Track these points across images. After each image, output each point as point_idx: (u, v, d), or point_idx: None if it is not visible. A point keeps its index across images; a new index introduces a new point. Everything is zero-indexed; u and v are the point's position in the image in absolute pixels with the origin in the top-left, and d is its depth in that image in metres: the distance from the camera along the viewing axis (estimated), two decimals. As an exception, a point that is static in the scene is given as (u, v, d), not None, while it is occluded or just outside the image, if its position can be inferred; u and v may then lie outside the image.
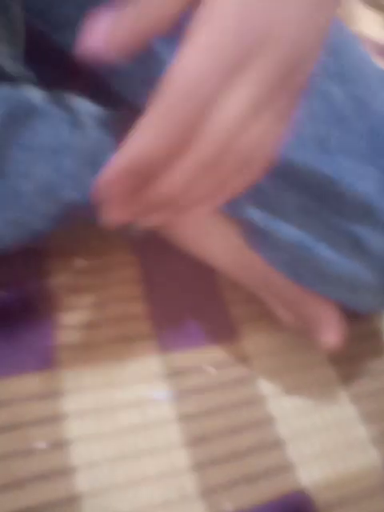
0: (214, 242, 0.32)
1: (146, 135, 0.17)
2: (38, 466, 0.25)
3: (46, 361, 0.28)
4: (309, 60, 0.18)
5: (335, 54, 0.28)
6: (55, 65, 0.30)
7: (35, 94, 0.27)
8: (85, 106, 0.29)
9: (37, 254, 0.32)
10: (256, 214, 0.28)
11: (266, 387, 0.31)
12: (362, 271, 0.27)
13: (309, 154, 0.26)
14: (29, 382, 0.27)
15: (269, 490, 0.27)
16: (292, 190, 0.27)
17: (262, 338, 0.33)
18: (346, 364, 0.33)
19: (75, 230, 0.31)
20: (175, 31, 0.18)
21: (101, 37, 0.18)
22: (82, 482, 0.25)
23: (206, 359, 0.31)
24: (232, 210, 0.29)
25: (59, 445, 0.26)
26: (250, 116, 0.17)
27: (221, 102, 0.17)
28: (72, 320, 0.30)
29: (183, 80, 0.16)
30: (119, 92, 0.31)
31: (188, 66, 0.16)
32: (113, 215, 0.19)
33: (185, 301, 0.33)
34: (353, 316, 0.31)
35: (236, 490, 0.27)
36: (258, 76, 0.17)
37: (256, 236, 0.29)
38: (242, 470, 0.27)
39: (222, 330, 0.33)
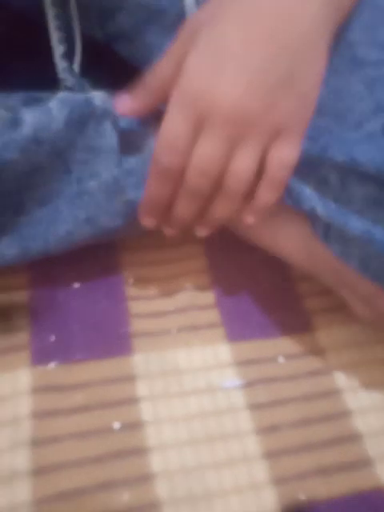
0: (286, 235, 0.32)
1: (149, 182, 0.27)
2: (114, 445, 0.26)
3: (121, 347, 0.30)
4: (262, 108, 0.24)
5: None
6: (109, 69, 0.32)
7: (95, 97, 0.29)
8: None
9: (109, 247, 0.33)
10: (321, 207, 0.28)
11: (341, 380, 0.30)
12: None
13: (374, 149, 0.25)
14: (105, 367, 0.29)
15: (344, 484, 0.26)
16: (358, 181, 0.26)
17: (338, 331, 0.32)
18: None
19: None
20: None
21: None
22: (155, 463, 0.26)
23: (278, 350, 0.31)
24: (297, 203, 0.29)
25: (133, 426, 0.27)
26: (217, 158, 0.25)
27: (195, 150, 0.25)
28: (144, 309, 0.31)
29: (163, 140, 0.25)
30: None
31: (164, 131, 0.25)
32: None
33: (254, 292, 0.33)
34: None
35: (309, 481, 0.26)
36: (212, 132, 0.25)
37: (324, 229, 0.28)
38: (315, 462, 0.26)
39: (294, 322, 0.32)
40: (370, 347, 0.32)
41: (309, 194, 0.28)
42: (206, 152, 0.25)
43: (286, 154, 0.26)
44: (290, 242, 0.32)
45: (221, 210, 0.28)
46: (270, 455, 0.27)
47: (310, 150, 0.26)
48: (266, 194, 0.27)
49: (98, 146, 0.29)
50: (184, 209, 0.27)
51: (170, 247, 0.35)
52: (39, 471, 0.25)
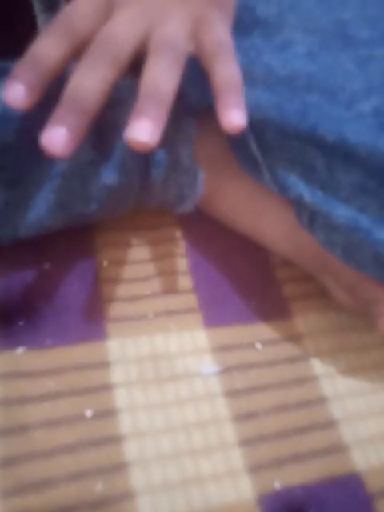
0: (267, 220, 0.31)
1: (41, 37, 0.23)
2: (86, 434, 0.25)
3: (95, 332, 0.29)
4: None
5: None
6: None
7: (70, 66, 0.27)
8: (124, 78, 0.29)
9: (82, 227, 0.32)
10: (308, 194, 0.27)
11: (318, 367, 0.30)
12: None
13: (366, 131, 0.25)
14: (78, 352, 0.28)
15: (319, 470, 0.26)
16: (346, 167, 0.25)
17: (316, 318, 0.32)
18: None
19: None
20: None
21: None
22: (129, 451, 0.25)
23: (255, 336, 0.30)
24: (283, 191, 0.28)
25: (107, 414, 0.26)
26: (132, 27, 0.23)
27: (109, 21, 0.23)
28: (119, 293, 0.30)
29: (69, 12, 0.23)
30: None
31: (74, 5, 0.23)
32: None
33: (233, 277, 0.33)
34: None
35: (286, 467, 0.26)
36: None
37: (308, 217, 0.28)
38: (291, 449, 0.26)
39: (272, 308, 0.32)
40: (346, 334, 0.32)
41: (295, 181, 0.27)
42: (122, 20, 0.23)
43: (216, 31, 0.24)
44: (273, 229, 0.31)
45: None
46: (247, 442, 0.26)
47: (299, 126, 0.25)
48: (222, 68, 0.24)
49: None
50: (83, 78, 0.23)
51: (146, 229, 0.34)
52: (7, 462, 0.24)
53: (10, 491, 0.23)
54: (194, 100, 0.31)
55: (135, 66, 0.25)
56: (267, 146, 0.28)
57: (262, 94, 0.26)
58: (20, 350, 0.27)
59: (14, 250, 0.30)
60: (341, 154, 0.25)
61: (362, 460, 0.27)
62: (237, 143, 0.30)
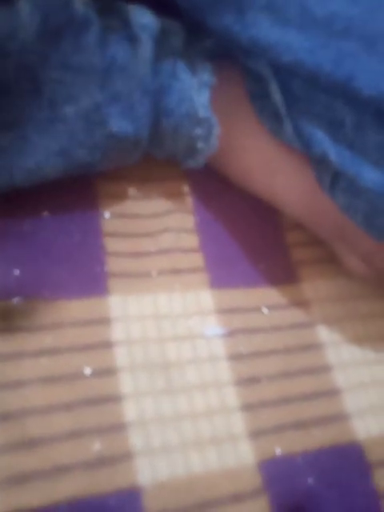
0: (283, 181, 0.29)
1: None
2: (85, 392, 0.24)
3: (96, 287, 0.27)
4: None
5: None
6: None
7: (78, 2, 0.23)
8: (138, 16, 0.26)
9: (85, 178, 0.30)
10: (333, 153, 0.25)
11: (324, 334, 0.29)
12: None
13: None
14: (77, 307, 0.26)
15: (320, 437, 0.25)
16: (377, 127, 0.23)
17: (325, 284, 0.31)
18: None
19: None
20: None
21: None
22: (128, 411, 0.24)
23: (262, 300, 0.29)
24: (306, 146, 0.26)
25: (107, 372, 0.25)
26: None
27: None
28: (122, 248, 0.29)
29: None
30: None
31: None
32: None
33: (241, 238, 0.31)
34: None
35: (286, 434, 0.25)
36: None
37: (331, 178, 0.26)
38: (293, 415, 0.26)
39: (280, 272, 0.31)
40: (354, 302, 0.31)
41: (320, 138, 0.25)
42: None
43: None
44: (288, 190, 0.29)
45: None
46: (249, 407, 0.26)
47: (332, 76, 0.23)
48: None
49: (76, 63, 0.24)
50: None
51: (151, 181, 0.31)
52: (3, 417, 0.23)
53: (3, 448, 0.22)
54: (211, 45, 0.28)
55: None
56: (292, 97, 0.25)
57: (295, 36, 0.23)
58: (15, 301, 0.26)
59: (10, 197, 0.28)
60: (374, 111, 0.23)
61: (362, 429, 0.26)
62: (257, 93, 0.27)
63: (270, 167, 0.29)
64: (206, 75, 0.28)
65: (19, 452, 0.22)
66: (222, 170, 0.31)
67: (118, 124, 0.25)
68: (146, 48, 0.26)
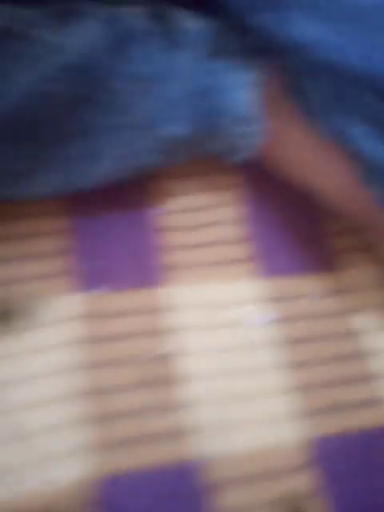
0: (323, 174, 0.30)
1: None
2: (142, 374, 0.27)
3: (152, 278, 0.30)
4: None
5: None
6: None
7: (134, 15, 0.25)
8: (185, 20, 0.27)
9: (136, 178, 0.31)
10: (367, 146, 0.26)
11: (361, 322, 0.31)
12: None
13: None
14: (136, 297, 0.29)
15: (356, 421, 0.27)
16: None
17: (363, 272, 0.32)
18: None
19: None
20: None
21: None
22: (182, 392, 0.27)
23: (306, 288, 0.31)
24: (339, 140, 0.27)
25: (166, 356, 0.28)
26: None
27: None
28: (174, 241, 0.31)
29: None
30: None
31: None
32: None
33: (286, 228, 0.33)
34: None
35: (325, 417, 0.27)
36: None
37: (366, 170, 0.27)
38: (332, 399, 0.28)
39: (321, 260, 0.32)
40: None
41: (355, 133, 0.26)
42: None
43: None
44: (327, 183, 0.30)
45: None
46: (291, 390, 0.28)
47: (362, 69, 0.24)
48: None
49: (137, 72, 0.26)
50: None
51: (197, 176, 0.33)
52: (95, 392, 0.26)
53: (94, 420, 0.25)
54: (251, 43, 0.29)
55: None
56: (327, 93, 0.26)
57: (325, 31, 0.24)
58: (93, 293, 0.29)
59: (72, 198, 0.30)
60: None
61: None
62: (296, 89, 0.28)
63: (310, 161, 0.30)
64: (250, 74, 0.29)
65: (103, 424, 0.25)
66: (265, 163, 0.32)
67: (172, 128, 0.27)
68: (194, 51, 0.27)
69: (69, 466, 0.24)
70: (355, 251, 0.33)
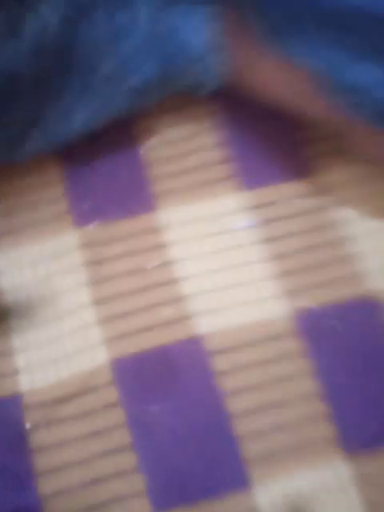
0: (291, 89, 0.33)
1: None
2: (146, 281, 0.32)
3: (143, 206, 0.35)
4: None
5: None
6: None
7: None
8: None
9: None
10: (322, 59, 0.29)
11: (338, 214, 0.34)
12: None
13: None
14: (131, 223, 0.34)
15: (335, 296, 0.31)
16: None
17: (337, 173, 0.35)
18: None
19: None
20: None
21: None
22: (187, 287, 0.32)
23: (282, 193, 0.35)
24: (296, 58, 0.30)
25: (165, 264, 0.33)
26: None
27: None
28: (161, 172, 0.35)
29: None
30: None
31: None
32: None
33: (264, 143, 0.36)
34: None
35: (315, 291, 0.31)
36: None
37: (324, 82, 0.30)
38: (317, 277, 0.32)
39: (297, 167, 0.36)
40: (370, 183, 0.35)
41: (309, 49, 0.29)
42: None
43: None
44: (294, 95, 0.33)
45: None
46: (276, 276, 0.32)
47: None
48: None
49: (102, 36, 0.30)
50: None
51: (179, 109, 0.37)
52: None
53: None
54: None
55: None
56: (275, 18, 0.30)
57: None
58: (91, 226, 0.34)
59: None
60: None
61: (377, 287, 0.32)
62: (253, 16, 0.31)
63: (276, 80, 0.34)
64: (207, 10, 0.33)
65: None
66: (236, 89, 0.36)
67: (135, 77, 0.31)
68: (152, 1, 0.31)
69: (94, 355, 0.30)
70: (329, 156, 0.36)
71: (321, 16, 0.28)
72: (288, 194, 0.35)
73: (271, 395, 0.28)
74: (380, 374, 0.29)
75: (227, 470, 0.26)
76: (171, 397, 0.28)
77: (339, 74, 0.29)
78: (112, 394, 0.28)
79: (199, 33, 0.33)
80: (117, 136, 0.36)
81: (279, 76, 0.33)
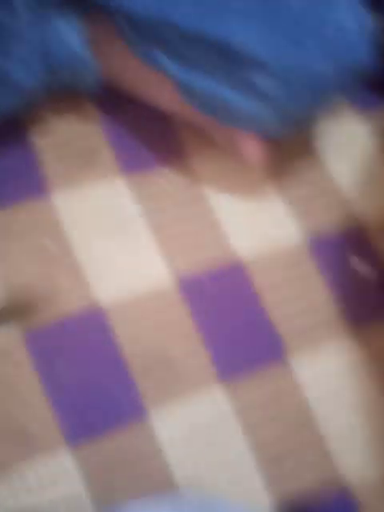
0: (159, 92, 0.39)
1: None
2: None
3: (35, 192, 0.38)
4: None
5: None
6: None
7: None
8: None
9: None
10: (172, 66, 0.35)
11: (211, 189, 0.41)
12: (262, 110, 0.35)
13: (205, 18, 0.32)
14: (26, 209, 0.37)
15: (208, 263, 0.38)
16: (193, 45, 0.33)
17: (210, 161, 0.42)
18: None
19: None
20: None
21: None
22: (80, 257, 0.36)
23: (164, 175, 0.40)
24: (151, 64, 0.35)
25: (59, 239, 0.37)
26: None
27: None
28: (52, 154, 0.39)
29: None
30: None
31: None
32: None
33: (141, 135, 0.42)
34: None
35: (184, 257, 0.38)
36: None
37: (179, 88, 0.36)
38: (187, 245, 0.38)
39: (175, 156, 0.41)
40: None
41: (164, 62, 0.35)
42: None
43: None
44: (166, 99, 0.39)
45: None
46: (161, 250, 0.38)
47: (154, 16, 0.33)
48: None
49: None
50: None
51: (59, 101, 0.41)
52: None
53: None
54: None
55: None
56: (135, 28, 0.34)
57: None
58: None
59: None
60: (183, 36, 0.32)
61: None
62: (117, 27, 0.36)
63: (146, 83, 0.38)
64: (78, 19, 0.36)
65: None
66: (117, 88, 0.40)
67: (22, 81, 0.34)
68: (28, 8, 0.34)
69: None
70: (205, 147, 0.42)
71: (170, 34, 0.34)
72: (165, 175, 0.41)
73: (159, 340, 0.35)
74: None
75: (125, 404, 0.32)
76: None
77: (188, 82, 0.35)
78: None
79: (76, 33, 0.36)
80: (12, 133, 0.39)
81: (146, 79, 0.38)
